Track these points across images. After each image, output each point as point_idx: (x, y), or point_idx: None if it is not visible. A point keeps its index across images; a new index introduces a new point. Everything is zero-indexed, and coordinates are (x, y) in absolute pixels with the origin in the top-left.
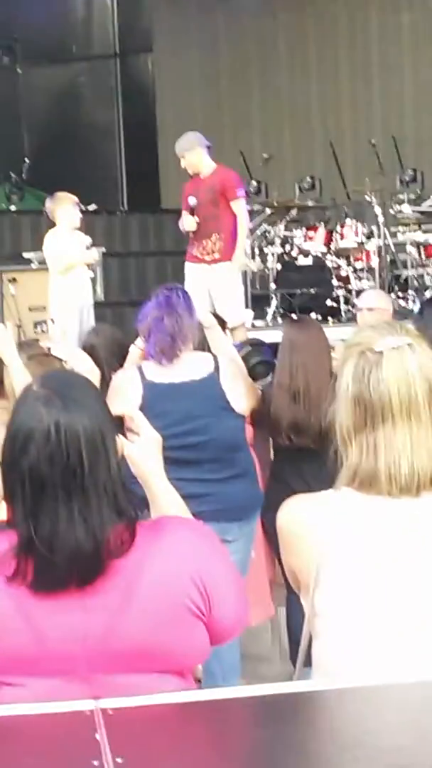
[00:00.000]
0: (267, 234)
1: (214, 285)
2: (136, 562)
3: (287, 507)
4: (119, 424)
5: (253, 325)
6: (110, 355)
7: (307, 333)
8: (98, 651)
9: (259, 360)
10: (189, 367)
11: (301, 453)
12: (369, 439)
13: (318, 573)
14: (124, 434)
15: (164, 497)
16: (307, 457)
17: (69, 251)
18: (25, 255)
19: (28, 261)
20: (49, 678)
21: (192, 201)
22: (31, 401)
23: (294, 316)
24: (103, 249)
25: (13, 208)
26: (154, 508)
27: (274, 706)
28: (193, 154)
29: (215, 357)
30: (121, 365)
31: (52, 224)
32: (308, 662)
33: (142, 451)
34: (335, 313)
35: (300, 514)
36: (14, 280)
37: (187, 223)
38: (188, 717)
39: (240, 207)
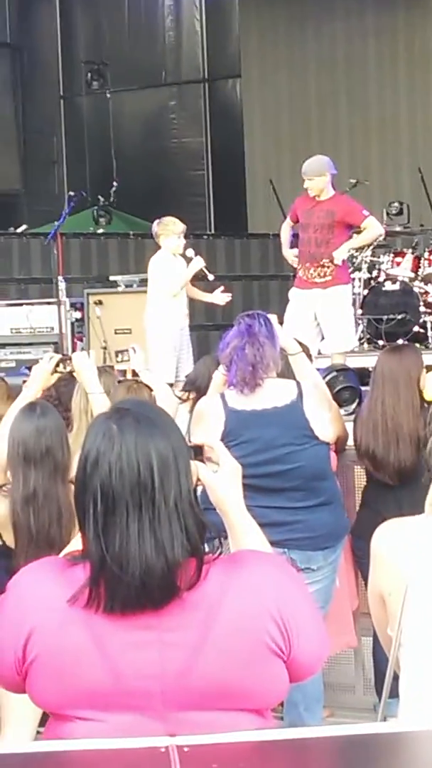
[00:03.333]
0: (354, 259)
1: (325, 309)
2: (215, 597)
3: (380, 532)
4: (199, 453)
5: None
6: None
7: (395, 364)
8: (175, 688)
9: (345, 386)
10: (272, 395)
11: (387, 485)
12: None
13: (407, 599)
14: (203, 462)
15: (243, 527)
16: (395, 489)
17: (179, 273)
18: (112, 278)
19: (115, 284)
20: (124, 714)
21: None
22: (104, 421)
23: (381, 342)
24: (212, 276)
25: (100, 231)
26: (233, 538)
27: (356, 746)
28: (321, 180)
29: (299, 384)
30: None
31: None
32: (394, 693)
33: (222, 480)
34: (422, 338)
35: (392, 539)
36: (100, 302)
37: (289, 258)
38: (266, 756)
39: (372, 222)
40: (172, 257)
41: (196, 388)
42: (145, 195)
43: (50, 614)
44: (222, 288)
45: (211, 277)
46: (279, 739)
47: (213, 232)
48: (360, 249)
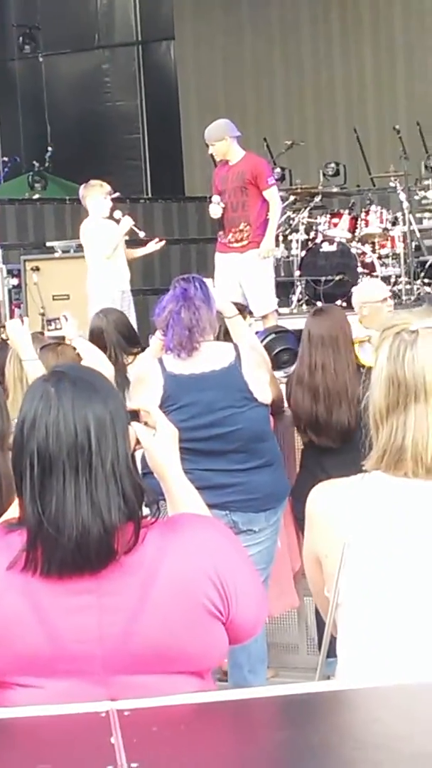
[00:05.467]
0: (291, 221)
1: (246, 273)
2: (153, 561)
3: (314, 493)
4: (136, 418)
5: (277, 312)
6: (119, 338)
7: (328, 326)
8: (115, 652)
9: (283, 347)
10: (210, 358)
11: (324, 449)
12: (400, 418)
13: (344, 559)
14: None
15: (180, 491)
16: (331, 452)
17: (108, 235)
18: (49, 244)
19: (52, 249)
20: (64, 679)
21: (216, 200)
22: (41, 384)
23: (319, 303)
24: (143, 233)
25: (36, 196)
26: (170, 502)
27: (295, 707)
28: (222, 144)
29: (236, 346)
30: (131, 347)
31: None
32: (333, 654)
33: (159, 445)
34: None
35: (327, 500)
36: (37, 268)
37: (213, 210)
38: (206, 718)
39: (273, 194)
40: (102, 220)
41: (102, 344)
42: (80, 159)
43: None
44: (157, 240)
45: (141, 234)
46: (218, 700)
47: (150, 195)
48: (296, 210)
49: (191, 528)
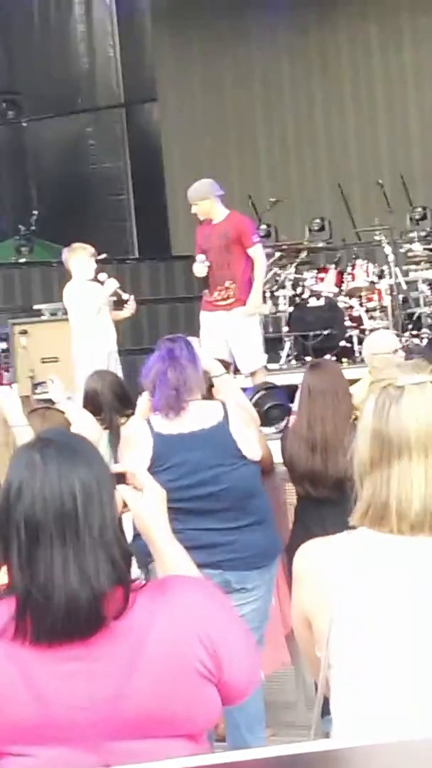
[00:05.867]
0: (278, 277)
1: (233, 331)
2: (142, 625)
3: (302, 552)
4: (122, 480)
5: (266, 368)
6: (114, 399)
7: (327, 379)
8: (105, 718)
9: (274, 404)
10: (198, 417)
11: (320, 501)
12: (384, 474)
13: (333, 619)
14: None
15: (169, 553)
16: (327, 504)
17: (92, 298)
18: (36, 307)
19: (39, 313)
20: (55, 746)
21: (200, 258)
22: (26, 451)
23: (309, 358)
24: (126, 295)
25: (22, 260)
26: (159, 564)
27: (289, 766)
28: (206, 203)
29: (224, 405)
30: (125, 408)
31: (63, 275)
32: (327, 710)
33: (146, 507)
34: (349, 353)
35: (313, 559)
36: (25, 332)
37: (197, 269)
38: None
39: (258, 252)
40: (86, 283)
41: (97, 404)
42: (66, 222)
43: None
44: (132, 298)
45: (125, 296)
46: (212, 764)
47: (136, 255)
48: (282, 266)
49: (181, 590)
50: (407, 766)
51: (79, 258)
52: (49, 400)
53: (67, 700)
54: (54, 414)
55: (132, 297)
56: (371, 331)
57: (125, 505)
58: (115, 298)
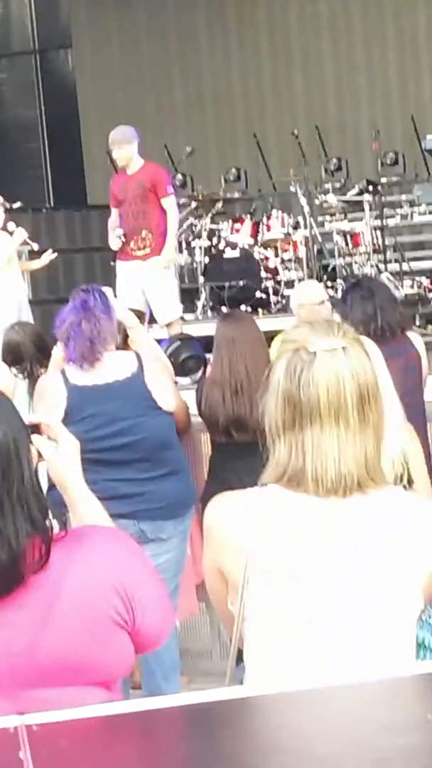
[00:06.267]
0: (193, 227)
1: (148, 281)
2: (57, 575)
3: (214, 505)
4: (37, 431)
5: (182, 319)
6: (35, 351)
7: (243, 326)
8: (22, 666)
9: (189, 355)
10: (112, 368)
11: (238, 448)
12: (297, 438)
13: (246, 573)
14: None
15: (83, 503)
16: (245, 452)
17: (1, 247)
18: None
19: None
20: None
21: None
22: None
23: (224, 309)
24: (36, 245)
25: None
26: (73, 514)
27: (203, 715)
28: (129, 148)
29: (138, 355)
30: (45, 359)
31: None
32: (240, 659)
33: (61, 457)
34: (265, 304)
35: (226, 513)
36: None
37: (112, 242)
38: (114, 730)
39: (170, 203)
40: None
41: (18, 356)
42: None
43: None
44: (50, 251)
45: (35, 246)
46: (127, 711)
47: (52, 205)
48: (198, 216)
49: (95, 540)
50: (319, 712)
51: None
52: None
53: None
54: None
55: (50, 250)
56: (287, 282)
57: (40, 456)
58: (28, 248)
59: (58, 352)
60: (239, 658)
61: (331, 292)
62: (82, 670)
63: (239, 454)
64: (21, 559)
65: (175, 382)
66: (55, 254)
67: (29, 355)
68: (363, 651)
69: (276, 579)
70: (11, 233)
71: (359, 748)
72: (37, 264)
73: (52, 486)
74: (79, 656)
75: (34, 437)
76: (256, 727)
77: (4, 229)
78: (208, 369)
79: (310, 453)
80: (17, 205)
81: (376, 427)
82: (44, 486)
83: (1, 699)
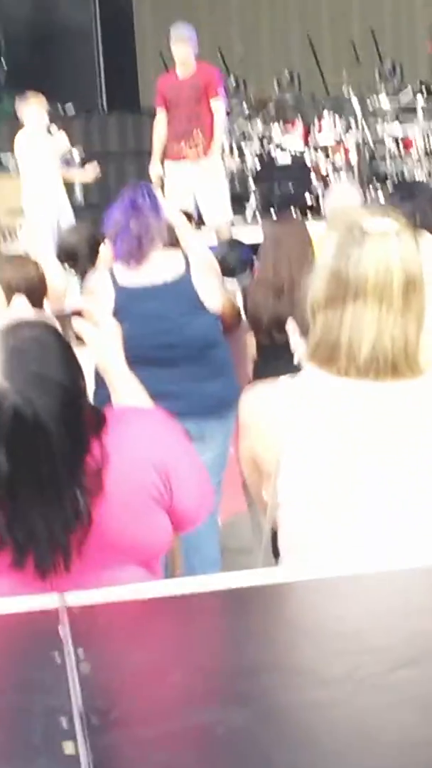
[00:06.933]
0: (245, 131)
1: (200, 182)
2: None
3: (248, 394)
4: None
5: (232, 223)
6: (89, 251)
7: (289, 228)
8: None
9: (238, 258)
10: (160, 268)
11: (280, 349)
12: (336, 313)
13: (280, 459)
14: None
15: (124, 385)
16: (286, 353)
17: (42, 149)
18: (3, 158)
19: (5, 166)
20: (9, 573)
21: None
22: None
23: (273, 213)
24: (77, 153)
25: None
26: (115, 397)
27: (240, 597)
28: (191, 45)
29: (186, 255)
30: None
31: (21, 125)
32: (276, 552)
33: (102, 340)
34: (314, 209)
35: (260, 401)
36: None
37: (153, 170)
38: (153, 609)
39: (219, 105)
40: (36, 134)
41: (73, 256)
42: (34, 74)
43: None
44: (95, 164)
45: (77, 156)
46: (167, 594)
47: (105, 108)
48: (250, 119)
49: (135, 418)
50: (355, 597)
51: (31, 108)
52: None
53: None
54: (28, 264)
55: (95, 162)
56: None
57: (82, 340)
58: (68, 156)
59: (105, 250)
60: (276, 552)
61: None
62: (122, 546)
63: (281, 354)
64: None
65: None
66: (98, 170)
67: (83, 255)
68: (404, 537)
69: (313, 464)
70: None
71: (390, 627)
72: (80, 177)
73: (97, 386)
74: (121, 533)
75: (75, 321)
76: (290, 609)
77: (47, 131)
78: (256, 269)
79: (347, 328)
80: (69, 105)
81: (419, 315)
82: (89, 381)
83: (39, 578)
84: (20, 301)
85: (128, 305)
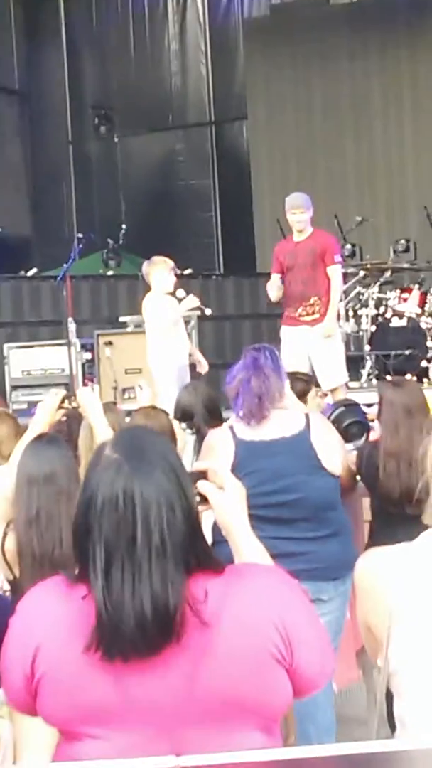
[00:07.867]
0: (361, 296)
1: (315, 346)
2: (216, 609)
3: (363, 560)
4: (203, 478)
5: (347, 386)
6: (204, 410)
7: (415, 396)
8: (181, 702)
9: (353, 420)
10: (279, 425)
11: (407, 519)
12: None
13: (392, 627)
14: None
15: (248, 548)
16: (412, 523)
17: (169, 311)
18: (122, 319)
19: (124, 324)
20: (130, 731)
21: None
22: (104, 465)
23: (389, 378)
24: (209, 310)
25: (110, 273)
26: (237, 556)
27: (360, 764)
28: (308, 214)
29: (306, 415)
30: (213, 420)
31: (148, 288)
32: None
33: (227, 500)
34: (430, 374)
35: (375, 568)
36: (110, 343)
37: (273, 293)
38: None
39: (336, 272)
40: (163, 296)
41: (189, 415)
42: (153, 237)
43: (55, 630)
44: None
45: (208, 311)
46: (284, 758)
47: (222, 272)
48: (366, 285)
49: (256, 575)
50: None
51: (159, 271)
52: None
53: (144, 683)
54: (159, 414)
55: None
56: None
57: (206, 501)
58: (197, 314)
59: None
60: (391, 723)
61: None
62: (240, 707)
63: (408, 525)
64: (174, 616)
65: None
66: (201, 306)
67: (199, 414)
68: None
69: (424, 634)
70: (180, 300)
71: None
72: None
73: (217, 541)
74: (238, 692)
75: (200, 483)
76: None
77: (173, 294)
78: (372, 435)
79: None
80: (188, 271)
81: None
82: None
83: (160, 738)
84: None
85: (247, 460)
